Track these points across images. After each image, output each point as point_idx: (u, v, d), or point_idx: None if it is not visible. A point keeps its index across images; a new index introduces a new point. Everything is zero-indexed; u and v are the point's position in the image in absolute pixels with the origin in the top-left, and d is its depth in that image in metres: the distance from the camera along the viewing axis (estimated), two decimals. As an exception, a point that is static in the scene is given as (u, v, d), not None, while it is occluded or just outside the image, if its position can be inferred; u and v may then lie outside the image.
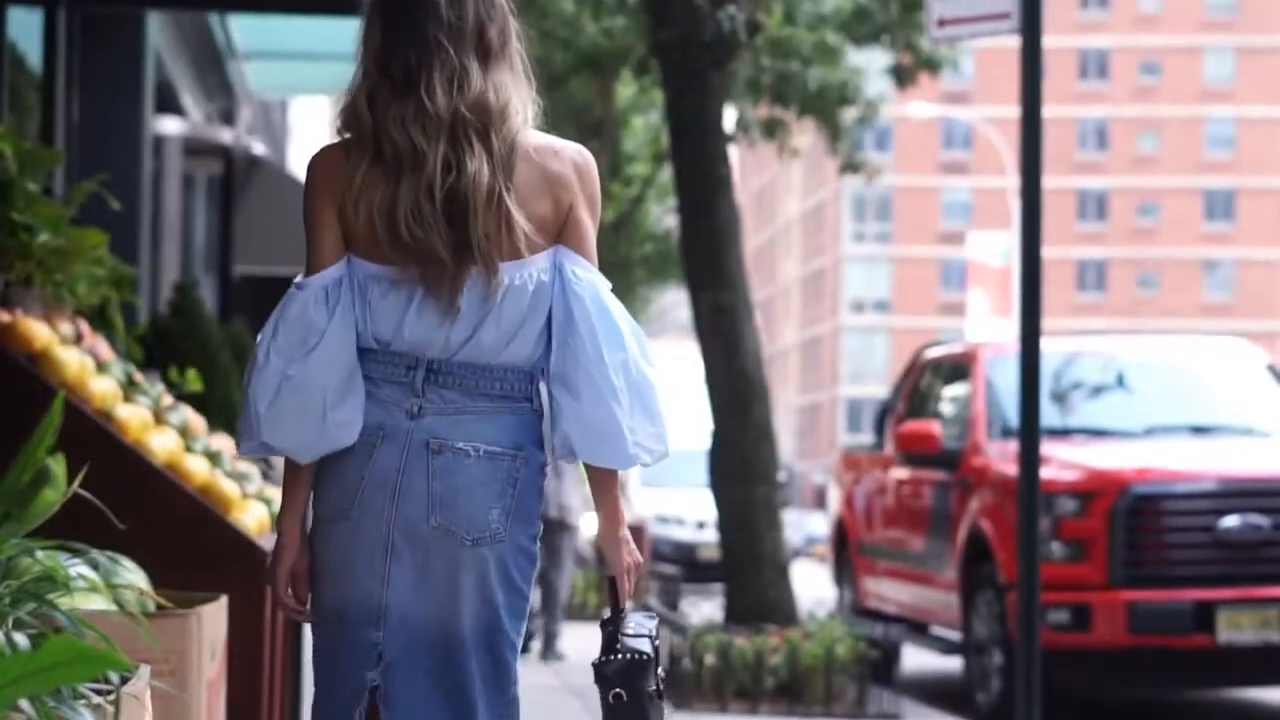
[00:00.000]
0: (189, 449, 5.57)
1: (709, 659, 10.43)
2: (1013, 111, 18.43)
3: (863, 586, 13.21)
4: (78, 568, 3.69)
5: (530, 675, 8.72)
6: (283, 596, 3.52)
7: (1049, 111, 54.76)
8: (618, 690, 3.46)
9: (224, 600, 4.62)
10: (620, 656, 3.47)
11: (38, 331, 5.26)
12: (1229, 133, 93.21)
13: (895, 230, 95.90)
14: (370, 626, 3.41)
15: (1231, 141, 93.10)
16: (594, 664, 3.50)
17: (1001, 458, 10.71)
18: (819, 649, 10.34)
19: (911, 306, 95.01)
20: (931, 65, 19.54)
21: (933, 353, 13.30)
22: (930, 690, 11.97)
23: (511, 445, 3.43)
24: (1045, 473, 8.72)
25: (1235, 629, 9.93)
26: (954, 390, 12.33)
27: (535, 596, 13.35)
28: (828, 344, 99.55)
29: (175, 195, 13.16)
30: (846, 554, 13.67)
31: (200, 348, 7.95)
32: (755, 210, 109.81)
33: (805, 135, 24.13)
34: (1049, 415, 10.54)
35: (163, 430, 5.49)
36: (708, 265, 12.01)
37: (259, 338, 3.45)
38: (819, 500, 59.20)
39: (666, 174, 24.38)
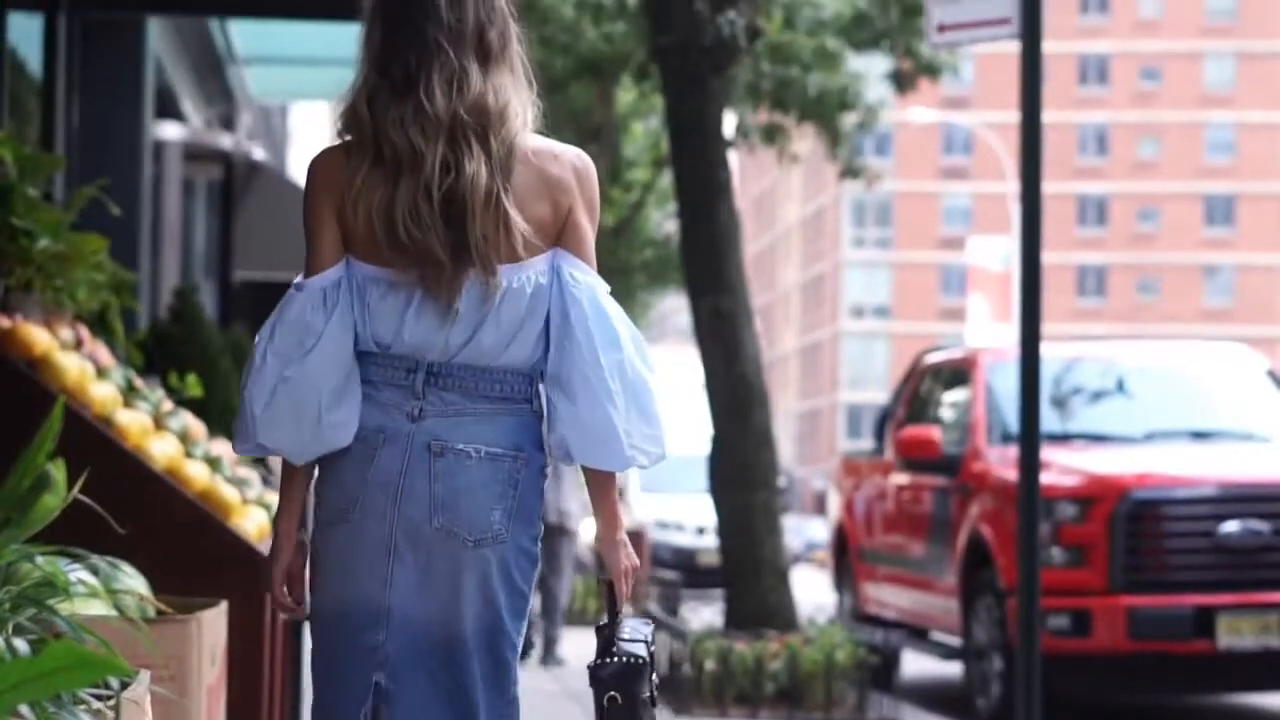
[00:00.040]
0: (189, 454, 5.58)
1: (709, 664, 10.42)
2: (1013, 117, 18.44)
3: (863, 592, 13.20)
4: (78, 573, 3.68)
5: (530, 680, 8.70)
6: (278, 595, 3.54)
7: (1049, 117, 54.83)
8: (612, 693, 3.49)
9: (224, 606, 4.61)
10: (615, 660, 3.49)
11: (38, 337, 5.26)
12: (1229, 138, 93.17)
13: (895, 235, 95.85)
14: (372, 628, 3.42)
15: (1231, 147, 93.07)
16: (589, 667, 3.52)
17: (1001, 463, 10.71)
18: (819, 654, 10.34)
19: (911, 312, 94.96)
20: (931, 70, 19.56)
21: (933, 358, 13.29)
22: (930, 696, 11.97)
23: (512, 447, 3.44)
24: (1045, 478, 8.72)
25: (1235, 634, 9.93)
26: (954, 395, 12.32)
27: (535, 601, 13.35)
28: (827, 349, 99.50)
29: (175, 200, 13.15)
30: (846, 559, 13.66)
31: (200, 353, 7.95)
32: (755, 215, 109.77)
33: (805, 140, 24.15)
34: (1049, 420, 10.53)
35: (163, 435, 5.49)
36: (707, 270, 12.01)
37: (257, 339, 3.46)
38: (819, 506, 59.15)
39: (666, 179, 24.39)
